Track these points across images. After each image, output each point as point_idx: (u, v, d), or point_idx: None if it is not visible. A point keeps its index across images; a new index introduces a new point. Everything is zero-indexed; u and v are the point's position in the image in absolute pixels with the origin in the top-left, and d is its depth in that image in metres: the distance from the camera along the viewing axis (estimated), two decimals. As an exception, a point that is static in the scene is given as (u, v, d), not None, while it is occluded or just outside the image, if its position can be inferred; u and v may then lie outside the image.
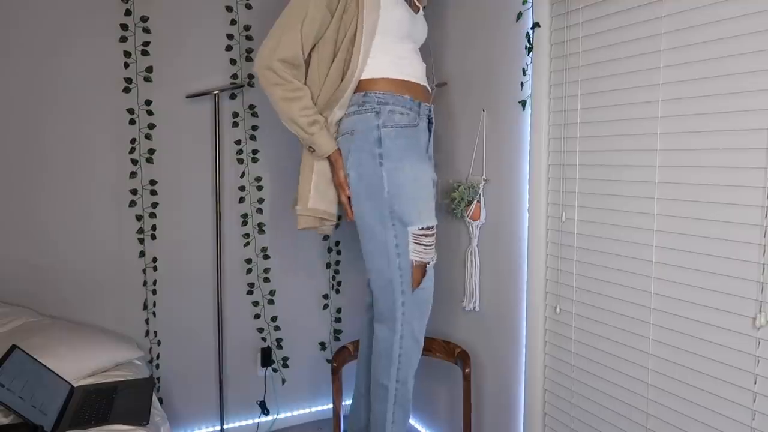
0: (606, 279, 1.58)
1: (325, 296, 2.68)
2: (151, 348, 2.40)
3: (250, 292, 2.52)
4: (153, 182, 2.34)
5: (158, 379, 2.42)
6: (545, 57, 1.72)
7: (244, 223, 2.48)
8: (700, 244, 1.34)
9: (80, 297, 2.28)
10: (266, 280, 2.54)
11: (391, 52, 1.75)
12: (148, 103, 2.30)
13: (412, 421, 2.55)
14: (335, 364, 2.05)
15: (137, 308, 2.37)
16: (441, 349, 2.10)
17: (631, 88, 1.47)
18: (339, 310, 2.71)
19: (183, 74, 2.35)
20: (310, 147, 1.75)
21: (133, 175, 2.30)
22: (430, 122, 1.85)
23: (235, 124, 2.45)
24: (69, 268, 2.26)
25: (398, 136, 1.70)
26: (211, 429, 2.52)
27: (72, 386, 1.81)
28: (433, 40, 2.19)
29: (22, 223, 2.19)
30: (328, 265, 2.68)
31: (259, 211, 2.49)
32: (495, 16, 1.91)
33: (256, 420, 2.58)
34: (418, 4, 1.89)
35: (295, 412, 2.65)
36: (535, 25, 1.72)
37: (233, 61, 2.41)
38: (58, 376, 1.78)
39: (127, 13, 2.24)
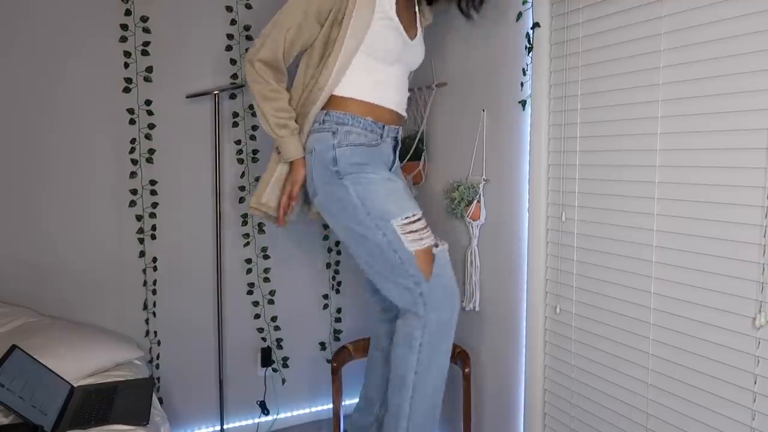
0: (606, 279, 1.58)
1: (325, 296, 2.68)
2: (151, 348, 2.40)
3: (250, 292, 2.52)
4: (153, 182, 2.34)
5: (158, 379, 2.42)
6: (545, 57, 1.71)
7: (244, 223, 2.48)
8: (700, 244, 1.34)
9: (80, 297, 2.28)
10: (266, 280, 2.54)
11: (371, 74, 1.74)
12: (148, 103, 2.30)
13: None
14: (335, 364, 2.05)
15: (137, 308, 2.37)
16: (441, 349, 2.10)
17: (631, 88, 1.47)
18: (339, 310, 2.71)
19: (183, 74, 2.35)
20: (278, 148, 1.79)
21: (133, 175, 2.30)
22: (396, 143, 1.86)
23: (235, 124, 2.45)
24: (69, 268, 2.26)
25: (353, 154, 1.71)
26: (211, 429, 2.52)
27: (72, 386, 1.81)
28: (434, 40, 2.19)
29: (22, 223, 2.19)
30: (328, 265, 2.68)
31: (259, 211, 2.49)
32: (495, 16, 1.91)
33: (256, 420, 2.58)
34: (419, 27, 1.87)
35: (295, 412, 2.65)
36: (535, 25, 1.72)
37: (233, 61, 2.41)
38: (58, 376, 1.78)
39: (127, 13, 2.24)
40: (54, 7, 2.16)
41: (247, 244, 2.49)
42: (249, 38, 2.43)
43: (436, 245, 1.72)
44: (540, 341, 1.81)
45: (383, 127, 1.78)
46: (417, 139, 2.22)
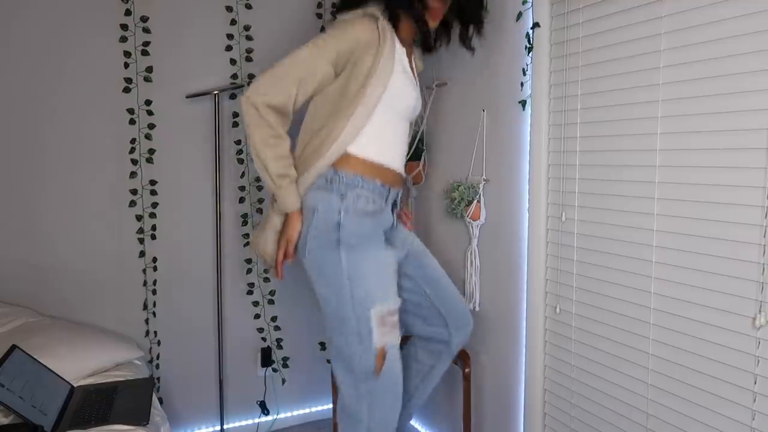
0: (606, 279, 1.58)
1: (325, 296, 2.68)
2: (151, 348, 2.40)
3: (250, 292, 2.52)
4: (153, 182, 2.34)
5: (158, 379, 2.42)
6: (545, 57, 1.72)
7: (244, 223, 2.48)
8: (700, 244, 1.34)
9: (80, 297, 2.28)
10: (266, 280, 2.54)
11: (388, 132, 1.67)
12: (148, 103, 2.30)
13: (412, 422, 2.55)
14: (335, 364, 2.04)
15: (137, 308, 2.37)
16: (441, 349, 2.10)
17: (631, 88, 1.47)
18: (339, 310, 2.71)
19: (183, 74, 2.35)
20: (274, 197, 1.66)
21: (133, 175, 2.30)
22: (394, 205, 1.77)
23: (235, 124, 2.45)
24: (69, 268, 2.26)
25: (360, 224, 1.60)
26: (211, 429, 2.52)
27: (72, 386, 1.81)
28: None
29: (22, 223, 2.19)
30: (328, 265, 2.68)
31: (259, 211, 2.49)
32: (495, 16, 1.91)
33: (256, 420, 2.58)
34: (416, 78, 1.79)
35: (295, 412, 2.65)
36: (535, 25, 1.72)
37: (233, 61, 2.41)
38: (58, 376, 1.78)
39: (127, 13, 2.24)
40: (54, 7, 2.16)
41: (247, 244, 2.49)
42: (249, 38, 2.43)
43: (395, 341, 1.63)
44: (540, 341, 1.81)
45: (389, 189, 1.70)
46: (417, 139, 2.22)
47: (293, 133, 1.69)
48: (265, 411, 2.56)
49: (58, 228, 2.23)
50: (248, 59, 2.44)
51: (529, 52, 1.76)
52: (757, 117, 1.21)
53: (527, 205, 1.82)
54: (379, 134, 1.65)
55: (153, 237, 2.36)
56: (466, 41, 1.88)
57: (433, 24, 1.72)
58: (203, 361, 2.49)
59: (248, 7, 2.42)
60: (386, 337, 1.59)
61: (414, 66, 1.79)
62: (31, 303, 2.20)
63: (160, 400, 2.38)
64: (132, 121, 2.29)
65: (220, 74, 2.40)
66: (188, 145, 2.38)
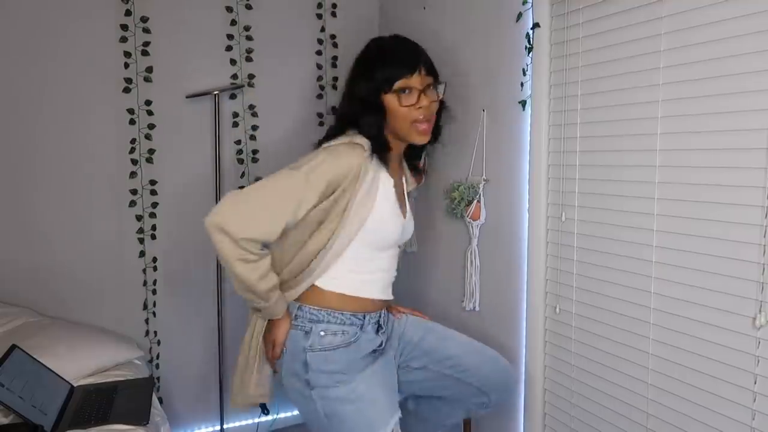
0: (606, 279, 1.58)
1: (325, 296, 2.68)
2: (151, 348, 2.40)
3: (250, 292, 2.52)
4: (153, 182, 2.34)
5: (158, 379, 2.41)
6: (545, 57, 1.72)
7: (244, 223, 2.48)
8: (700, 244, 1.34)
9: (80, 297, 2.28)
10: (266, 280, 2.54)
11: (360, 268, 1.54)
12: (148, 103, 2.30)
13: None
14: (335, 365, 2.04)
15: (137, 308, 2.37)
16: (441, 349, 2.09)
17: (631, 89, 1.47)
18: (339, 310, 2.71)
19: (183, 74, 2.35)
20: (257, 308, 1.51)
21: (133, 175, 2.30)
22: (379, 326, 1.60)
23: (235, 124, 2.45)
24: (69, 268, 2.26)
25: (327, 361, 1.47)
26: (211, 429, 2.52)
27: (72, 386, 1.81)
28: (434, 40, 2.19)
29: (22, 223, 2.19)
30: (328, 265, 2.67)
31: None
32: (495, 16, 1.91)
33: (256, 420, 2.58)
34: (407, 201, 1.68)
35: (295, 412, 2.65)
36: (535, 25, 1.72)
37: (233, 61, 2.41)
38: (58, 375, 1.78)
39: (127, 13, 2.24)
40: (54, 7, 2.16)
41: (247, 244, 2.49)
42: (249, 38, 2.43)
43: None
44: (540, 341, 1.81)
45: (364, 316, 1.54)
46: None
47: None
48: (265, 411, 2.55)
49: (58, 228, 2.23)
50: (248, 59, 2.44)
51: (529, 53, 1.76)
52: (757, 117, 1.21)
53: (527, 205, 1.82)
54: (353, 269, 1.53)
55: (153, 237, 2.35)
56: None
57: (423, 139, 1.57)
58: (203, 361, 2.49)
59: (248, 7, 2.42)
60: None
61: (405, 191, 1.68)
62: (31, 303, 2.20)
63: (160, 400, 2.38)
64: (132, 121, 2.29)
65: (220, 74, 2.40)
66: (188, 145, 2.38)
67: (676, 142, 1.37)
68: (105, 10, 2.22)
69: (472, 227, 2.02)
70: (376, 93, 1.52)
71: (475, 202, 1.98)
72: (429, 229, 2.32)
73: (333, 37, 2.59)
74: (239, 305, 2.50)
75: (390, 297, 1.65)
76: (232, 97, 2.44)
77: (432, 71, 1.57)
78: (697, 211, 1.33)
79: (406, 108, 1.51)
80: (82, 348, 1.98)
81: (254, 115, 2.47)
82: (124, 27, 2.24)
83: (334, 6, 2.57)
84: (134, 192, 2.31)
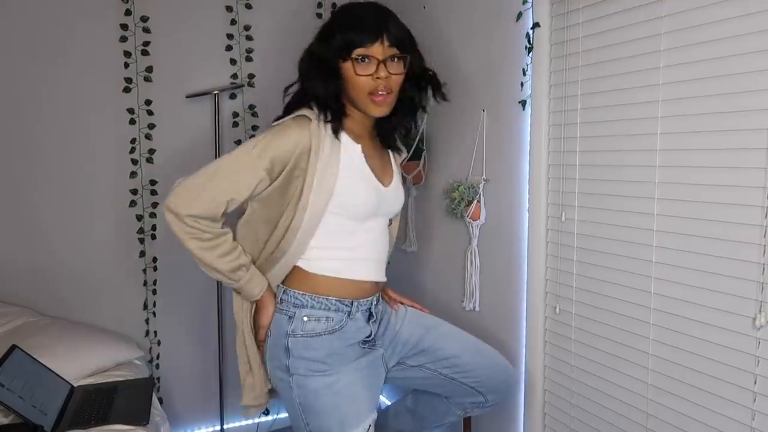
0: (606, 279, 1.58)
1: (325, 296, 2.68)
2: (151, 348, 2.40)
3: (250, 292, 2.52)
4: (153, 182, 2.34)
5: (158, 379, 2.42)
6: (545, 57, 1.71)
7: (244, 223, 2.48)
8: (700, 244, 1.33)
9: (80, 297, 2.28)
10: (266, 280, 2.54)
11: (342, 245, 1.48)
12: (148, 103, 2.31)
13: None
14: (335, 365, 2.03)
15: (137, 308, 2.37)
16: (441, 349, 2.09)
17: (631, 88, 1.47)
18: (339, 310, 2.71)
19: (183, 74, 2.35)
20: (236, 290, 1.51)
21: (133, 175, 2.31)
22: (371, 315, 1.54)
23: (235, 124, 2.45)
24: (69, 268, 2.26)
25: (307, 347, 1.44)
26: (211, 429, 2.53)
27: (72, 386, 1.81)
28: (434, 40, 2.19)
29: (22, 223, 2.19)
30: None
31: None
32: (495, 16, 1.91)
33: (256, 420, 2.58)
34: (394, 170, 1.61)
35: (295, 412, 2.65)
36: (535, 25, 1.72)
37: (233, 61, 2.41)
38: (58, 375, 1.78)
39: (127, 13, 2.24)
40: (54, 7, 2.16)
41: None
42: (249, 38, 2.43)
43: None
44: (540, 341, 1.81)
45: (351, 303, 1.48)
46: (417, 139, 2.22)
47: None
48: (265, 411, 2.56)
49: (59, 228, 2.23)
50: (248, 59, 2.44)
51: (529, 52, 1.76)
52: (757, 117, 1.21)
53: (527, 205, 1.82)
54: (334, 246, 1.48)
55: (153, 237, 2.36)
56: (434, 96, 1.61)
57: (379, 111, 1.47)
58: (203, 361, 2.49)
59: (248, 7, 2.42)
60: None
61: (393, 161, 1.63)
62: (31, 303, 2.20)
63: (160, 400, 2.38)
64: (132, 121, 2.29)
65: (220, 74, 2.40)
66: (188, 145, 2.38)
67: (676, 142, 1.37)
68: (105, 10, 2.22)
69: (472, 227, 2.02)
70: (334, 58, 1.44)
71: (475, 202, 1.97)
72: (429, 229, 2.32)
73: (333, 37, 2.58)
74: (239, 305, 2.50)
75: (382, 279, 1.58)
76: (232, 97, 2.44)
77: (401, 43, 1.45)
78: (697, 211, 1.33)
79: (363, 78, 1.42)
80: (82, 348, 1.98)
81: (254, 115, 2.47)
82: (124, 27, 2.24)
83: (334, 6, 2.57)
84: (134, 192, 2.31)
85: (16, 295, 2.18)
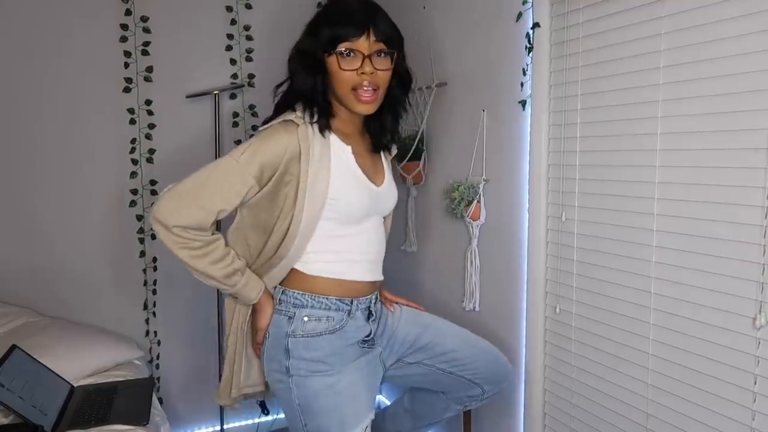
0: (606, 279, 1.58)
1: (325, 296, 2.68)
2: (151, 348, 2.41)
3: (250, 292, 2.52)
4: (153, 182, 2.34)
5: (158, 379, 2.42)
6: (545, 57, 1.71)
7: (244, 223, 2.48)
8: (700, 244, 1.33)
9: (80, 297, 2.28)
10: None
11: (338, 243, 1.47)
12: (148, 103, 2.31)
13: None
14: (335, 365, 2.03)
15: (137, 308, 2.37)
16: (441, 349, 2.09)
17: (631, 88, 1.47)
18: (339, 310, 2.71)
19: (183, 74, 2.35)
20: (232, 295, 1.50)
21: (133, 175, 2.31)
22: (370, 313, 1.54)
23: (235, 124, 2.45)
24: (69, 268, 2.26)
25: (308, 347, 1.43)
26: (211, 429, 2.53)
27: (72, 386, 1.81)
28: (434, 40, 2.19)
29: (22, 223, 2.19)
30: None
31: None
32: (495, 16, 1.91)
33: (256, 420, 2.58)
34: (386, 169, 1.60)
35: (295, 412, 2.65)
36: (535, 25, 1.72)
37: (233, 61, 2.41)
38: (58, 375, 1.78)
39: (127, 13, 2.24)
40: (54, 7, 2.16)
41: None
42: (249, 38, 2.43)
43: None
44: (540, 341, 1.81)
45: (351, 302, 1.48)
46: (417, 139, 2.22)
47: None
48: (265, 411, 2.55)
49: (59, 228, 2.23)
50: (248, 59, 2.44)
51: (529, 52, 1.76)
52: (757, 117, 1.21)
53: (527, 205, 1.82)
54: (331, 249, 1.47)
55: (153, 237, 2.36)
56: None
57: (364, 109, 1.44)
58: (203, 361, 2.49)
59: (248, 7, 2.42)
60: None
61: (384, 159, 1.61)
62: (31, 303, 2.20)
63: (160, 400, 2.38)
64: (132, 121, 2.29)
65: (220, 74, 2.41)
66: (188, 145, 2.38)
67: (676, 142, 1.37)
68: (105, 10, 2.22)
69: (472, 227, 2.02)
70: (320, 52, 1.41)
71: (475, 202, 1.97)
72: (429, 229, 2.32)
73: (333, 37, 2.59)
74: (239, 305, 2.50)
75: (379, 278, 1.58)
76: (232, 97, 2.44)
77: (388, 39, 1.42)
78: (697, 211, 1.33)
79: (348, 72, 1.39)
80: (82, 348, 1.98)
81: (254, 115, 2.47)
82: (124, 27, 2.24)
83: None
84: (134, 192, 2.31)
85: (16, 295, 2.18)
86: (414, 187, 2.34)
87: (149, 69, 2.29)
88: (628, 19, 1.46)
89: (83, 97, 2.23)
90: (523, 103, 1.80)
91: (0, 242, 2.17)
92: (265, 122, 1.48)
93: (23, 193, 2.18)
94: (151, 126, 2.32)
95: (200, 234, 1.39)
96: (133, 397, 1.79)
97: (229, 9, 2.40)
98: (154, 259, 2.37)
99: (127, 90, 2.27)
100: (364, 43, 1.39)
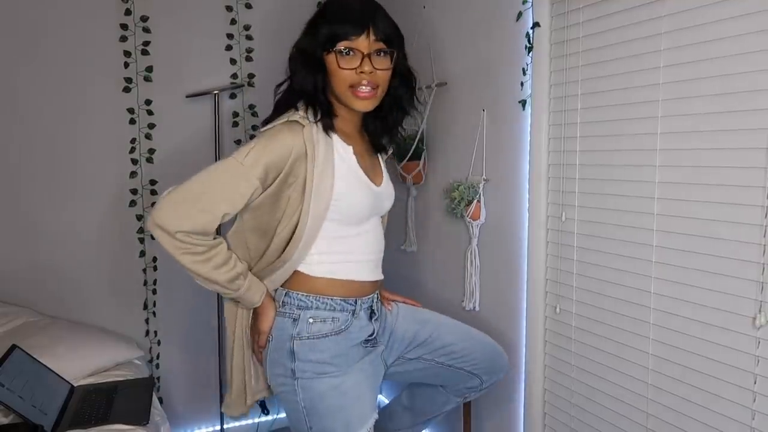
0: (606, 279, 1.58)
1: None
2: (151, 348, 2.41)
3: (250, 292, 2.52)
4: (153, 182, 2.34)
5: (158, 379, 2.42)
6: (545, 57, 1.71)
7: (244, 223, 2.48)
8: (700, 244, 1.33)
9: (80, 297, 2.28)
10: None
11: (341, 244, 1.46)
12: (148, 103, 2.31)
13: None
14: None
15: (137, 308, 2.37)
16: (441, 349, 2.09)
17: (631, 88, 1.47)
18: (339, 310, 2.71)
19: (183, 74, 2.35)
20: (234, 299, 1.48)
21: (133, 175, 2.31)
22: (372, 312, 1.53)
23: (235, 124, 2.45)
24: (69, 268, 2.26)
25: (314, 349, 1.42)
26: (211, 429, 2.53)
27: (72, 386, 1.81)
28: (434, 40, 2.19)
29: (22, 223, 2.19)
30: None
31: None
32: (495, 16, 1.91)
33: (256, 420, 2.58)
34: (383, 168, 1.59)
35: (295, 412, 2.65)
36: (535, 24, 1.72)
37: (233, 61, 2.41)
38: (58, 375, 1.78)
39: (127, 13, 2.24)
40: (54, 7, 2.16)
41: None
42: (249, 38, 2.43)
43: None
44: (540, 341, 1.81)
45: (355, 302, 1.48)
46: (417, 139, 2.22)
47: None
48: (265, 411, 2.54)
49: (59, 228, 2.23)
50: (248, 59, 2.44)
51: (529, 52, 1.76)
52: (757, 117, 1.21)
53: (527, 205, 1.82)
54: (334, 251, 1.46)
55: (153, 237, 2.35)
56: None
57: (363, 106, 1.43)
58: (203, 361, 2.49)
59: (248, 7, 2.42)
60: None
61: (381, 158, 1.61)
62: (31, 303, 2.20)
63: (160, 400, 2.38)
64: (132, 121, 2.29)
65: (220, 74, 2.41)
66: (188, 145, 2.38)
67: (676, 141, 1.37)
68: (105, 10, 2.22)
69: (472, 227, 2.02)
70: (319, 51, 1.40)
71: (475, 202, 1.97)
72: (429, 229, 2.32)
73: (333, 36, 2.59)
74: (239, 305, 2.50)
75: (380, 277, 1.58)
76: (232, 97, 2.44)
77: (388, 38, 1.41)
78: (697, 211, 1.33)
79: (347, 71, 1.38)
80: (82, 348, 1.98)
81: (254, 115, 2.47)
82: (124, 27, 2.24)
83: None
84: (134, 192, 2.31)
85: (16, 295, 2.18)
86: (414, 186, 2.34)
87: (149, 69, 2.29)
88: (628, 18, 1.46)
89: (83, 97, 2.23)
90: (523, 102, 1.80)
91: (0, 242, 2.17)
92: (266, 121, 1.47)
93: (23, 193, 2.18)
94: (151, 126, 2.32)
95: (204, 239, 1.35)
96: (133, 397, 1.79)
97: (229, 9, 2.40)
98: (154, 259, 2.37)
99: (127, 90, 2.27)
100: (363, 42, 1.38)
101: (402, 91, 1.52)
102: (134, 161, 2.30)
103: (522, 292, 1.87)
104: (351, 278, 1.48)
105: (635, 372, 1.51)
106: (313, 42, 1.41)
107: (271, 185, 1.38)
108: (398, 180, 2.28)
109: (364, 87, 1.40)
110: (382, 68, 1.42)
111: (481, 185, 1.98)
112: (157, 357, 2.42)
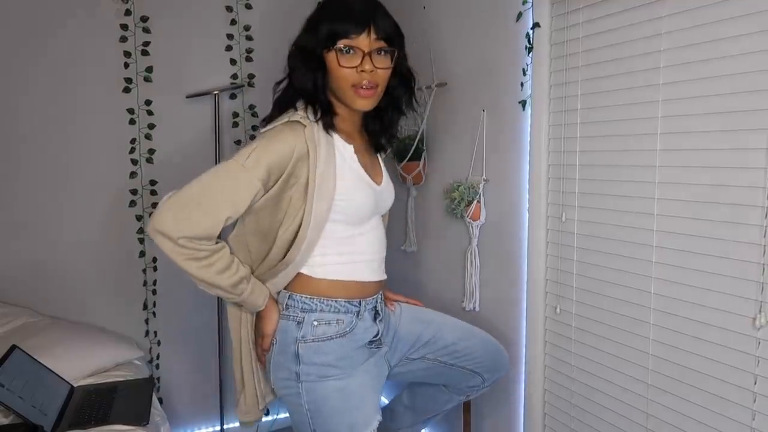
0: (606, 279, 1.58)
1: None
2: (151, 348, 2.41)
3: (250, 292, 2.52)
4: (153, 182, 2.34)
5: (158, 379, 2.42)
6: (545, 57, 1.71)
7: (244, 223, 2.48)
8: (700, 244, 1.33)
9: (80, 297, 2.28)
10: (266, 280, 2.54)
11: (344, 245, 1.45)
12: (148, 103, 2.31)
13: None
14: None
15: (137, 308, 2.37)
16: (441, 349, 2.09)
17: (631, 88, 1.47)
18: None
19: (183, 74, 2.35)
20: (237, 303, 1.46)
21: (133, 175, 2.31)
22: (377, 313, 1.52)
23: (235, 124, 2.45)
24: (69, 268, 2.26)
25: (318, 352, 1.40)
26: (211, 429, 2.52)
27: (72, 386, 1.81)
28: (434, 40, 2.19)
29: (22, 223, 2.19)
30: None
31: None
32: (495, 16, 1.91)
33: (256, 420, 2.58)
34: (383, 166, 1.59)
35: (295, 412, 2.65)
36: (535, 25, 1.72)
37: (233, 61, 2.41)
38: (58, 376, 1.78)
39: (127, 13, 2.24)
40: (54, 7, 2.16)
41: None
42: (249, 38, 2.43)
43: None
44: (540, 341, 1.81)
45: (360, 303, 1.46)
46: (417, 139, 2.22)
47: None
48: (265, 411, 2.56)
49: (58, 228, 2.23)
50: (248, 59, 2.44)
51: (529, 52, 1.76)
52: (757, 117, 1.21)
53: (527, 205, 1.82)
54: (337, 252, 1.44)
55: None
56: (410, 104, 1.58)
57: (363, 105, 1.42)
58: (203, 361, 2.49)
59: (248, 7, 2.42)
60: None
61: (380, 158, 1.61)
62: (31, 303, 2.20)
63: (160, 400, 2.38)
64: (132, 121, 2.29)
65: (220, 74, 2.41)
66: (188, 145, 2.38)
67: (676, 142, 1.37)
68: (105, 11, 2.22)
69: (472, 227, 2.02)
70: (319, 49, 1.39)
71: (475, 202, 1.97)
72: (429, 229, 2.32)
73: (333, 37, 2.59)
74: (239, 305, 2.50)
75: (384, 277, 1.57)
76: (232, 97, 2.44)
77: (389, 37, 1.40)
78: (697, 211, 1.33)
79: (347, 70, 1.37)
80: (82, 348, 1.98)
81: (254, 115, 2.47)
82: (124, 27, 2.24)
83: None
84: (134, 192, 2.31)
85: (16, 295, 2.18)
86: (414, 187, 2.34)
87: (149, 69, 2.29)
88: (628, 19, 1.46)
89: (83, 97, 2.23)
90: (523, 103, 1.80)
91: (0, 242, 2.17)
92: (266, 120, 1.46)
93: (23, 193, 2.18)
94: (151, 126, 2.32)
95: (206, 243, 1.33)
96: (133, 397, 1.79)
97: (229, 9, 2.40)
98: (154, 259, 2.37)
99: (126, 90, 2.27)
100: (364, 41, 1.37)
101: (400, 91, 1.52)
102: (134, 161, 2.30)
103: (522, 293, 1.87)
104: (355, 279, 1.47)
105: (635, 372, 1.51)
106: (313, 39, 1.40)
107: (273, 186, 1.37)
108: (398, 180, 2.28)
109: (364, 86, 1.39)
110: (383, 67, 1.41)
111: (481, 185, 1.98)
112: (157, 357, 2.42)
